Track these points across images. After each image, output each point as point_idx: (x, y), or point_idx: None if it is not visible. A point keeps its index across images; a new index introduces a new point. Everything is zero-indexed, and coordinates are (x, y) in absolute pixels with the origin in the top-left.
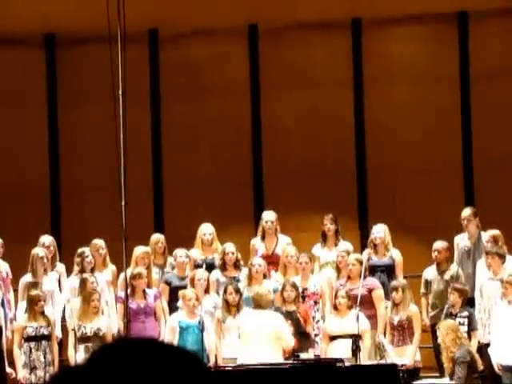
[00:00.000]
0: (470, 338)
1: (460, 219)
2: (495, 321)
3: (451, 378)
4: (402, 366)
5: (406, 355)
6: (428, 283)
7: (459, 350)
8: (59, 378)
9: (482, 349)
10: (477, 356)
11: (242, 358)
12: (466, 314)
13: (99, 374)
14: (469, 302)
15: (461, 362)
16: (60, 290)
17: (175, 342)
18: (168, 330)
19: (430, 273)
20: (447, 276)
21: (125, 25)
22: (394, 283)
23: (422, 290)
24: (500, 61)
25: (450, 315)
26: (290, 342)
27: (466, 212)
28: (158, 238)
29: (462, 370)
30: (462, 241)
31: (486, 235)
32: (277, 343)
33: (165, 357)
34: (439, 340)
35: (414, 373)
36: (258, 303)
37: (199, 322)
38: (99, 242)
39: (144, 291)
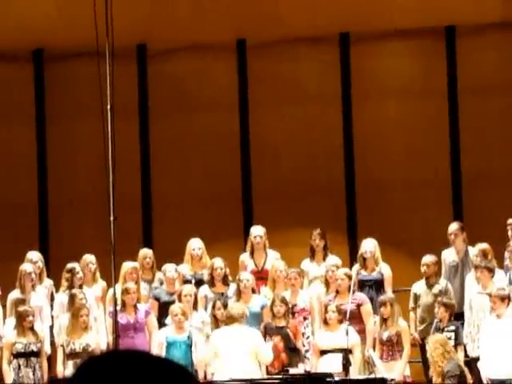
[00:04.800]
0: (456, 351)
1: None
2: (484, 335)
3: None
4: (392, 380)
5: (395, 370)
6: (417, 297)
7: (449, 363)
8: None
9: (471, 363)
10: (466, 370)
11: (220, 374)
12: (452, 328)
13: None
14: (457, 316)
15: (451, 375)
16: (50, 305)
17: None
18: (156, 345)
19: (418, 287)
20: (436, 290)
21: (113, 40)
22: (381, 298)
23: (411, 304)
24: (487, 75)
25: (439, 329)
26: (268, 356)
27: (453, 227)
28: (145, 253)
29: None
30: (449, 255)
31: (475, 249)
32: (254, 358)
33: (153, 368)
34: (427, 354)
35: None
36: (232, 317)
37: (188, 338)
38: (89, 258)
39: (135, 306)
